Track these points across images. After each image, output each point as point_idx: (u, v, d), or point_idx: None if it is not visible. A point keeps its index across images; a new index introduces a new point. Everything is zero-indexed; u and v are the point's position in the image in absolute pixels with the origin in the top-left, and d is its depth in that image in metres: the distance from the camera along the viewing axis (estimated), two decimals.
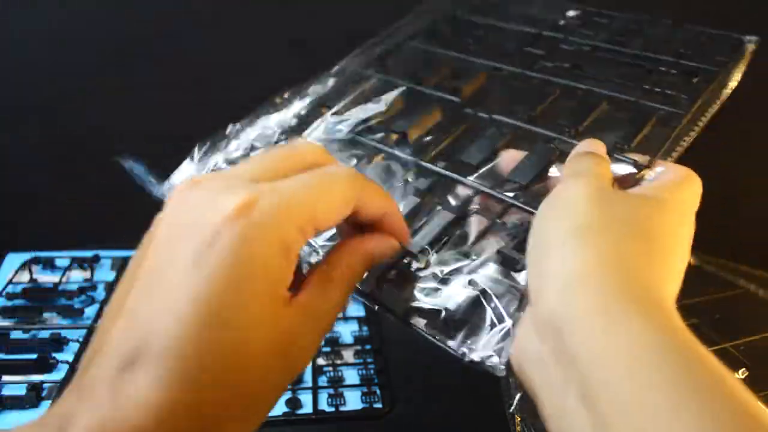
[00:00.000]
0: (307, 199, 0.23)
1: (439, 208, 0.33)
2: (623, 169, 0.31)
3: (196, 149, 0.38)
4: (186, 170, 0.37)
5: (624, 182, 0.30)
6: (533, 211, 0.30)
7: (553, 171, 0.33)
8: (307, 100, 0.42)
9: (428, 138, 0.38)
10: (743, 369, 0.52)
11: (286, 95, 0.43)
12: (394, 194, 0.34)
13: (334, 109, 0.40)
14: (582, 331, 0.21)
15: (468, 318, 0.28)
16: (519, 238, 0.30)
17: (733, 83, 0.37)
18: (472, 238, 0.31)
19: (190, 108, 0.62)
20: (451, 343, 0.27)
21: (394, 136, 0.38)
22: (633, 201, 0.26)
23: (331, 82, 0.44)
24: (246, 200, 0.21)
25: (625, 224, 0.25)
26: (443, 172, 0.35)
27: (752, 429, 0.18)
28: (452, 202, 0.34)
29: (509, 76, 0.43)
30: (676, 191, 0.27)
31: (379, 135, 0.39)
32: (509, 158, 0.34)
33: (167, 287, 0.20)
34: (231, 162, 0.38)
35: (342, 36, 0.46)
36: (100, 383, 0.19)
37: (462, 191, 0.34)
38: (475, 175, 0.35)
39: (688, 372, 0.19)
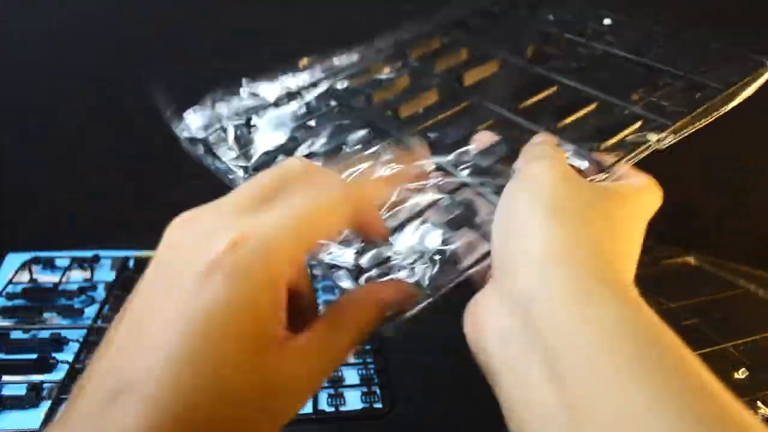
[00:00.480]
0: (295, 231, 0.22)
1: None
2: (584, 165, 0.32)
3: (209, 97, 0.40)
4: (197, 115, 0.40)
5: (584, 176, 0.31)
6: (482, 192, 0.32)
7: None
8: (323, 69, 0.44)
9: (418, 116, 0.40)
10: (743, 369, 0.52)
11: (307, 61, 0.44)
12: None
13: (346, 82, 0.43)
14: (553, 305, 0.22)
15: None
16: (455, 215, 0.32)
17: (734, 102, 0.37)
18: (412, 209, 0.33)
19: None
20: None
21: (388, 112, 0.41)
22: (597, 188, 0.28)
23: (355, 57, 0.46)
24: (232, 241, 0.21)
25: (591, 208, 0.26)
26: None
27: (707, 397, 0.19)
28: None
29: (517, 69, 0.43)
30: (637, 192, 0.29)
31: (375, 111, 0.41)
32: (481, 141, 0.35)
33: (153, 327, 0.21)
34: (236, 113, 0.40)
35: (346, 38, 0.46)
36: (86, 417, 0.20)
37: (428, 166, 0.35)
38: (445, 153, 0.35)
39: (652, 345, 0.20)
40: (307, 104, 0.42)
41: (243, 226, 0.22)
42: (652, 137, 0.33)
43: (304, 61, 0.44)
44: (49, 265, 0.66)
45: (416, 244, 0.31)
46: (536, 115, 0.37)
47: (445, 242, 0.31)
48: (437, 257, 0.30)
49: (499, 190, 0.31)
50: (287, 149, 0.38)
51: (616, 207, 0.27)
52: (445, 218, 0.32)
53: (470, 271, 0.29)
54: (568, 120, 0.37)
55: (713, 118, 0.35)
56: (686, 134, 0.34)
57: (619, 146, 0.33)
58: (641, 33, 0.45)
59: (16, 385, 0.52)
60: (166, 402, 0.19)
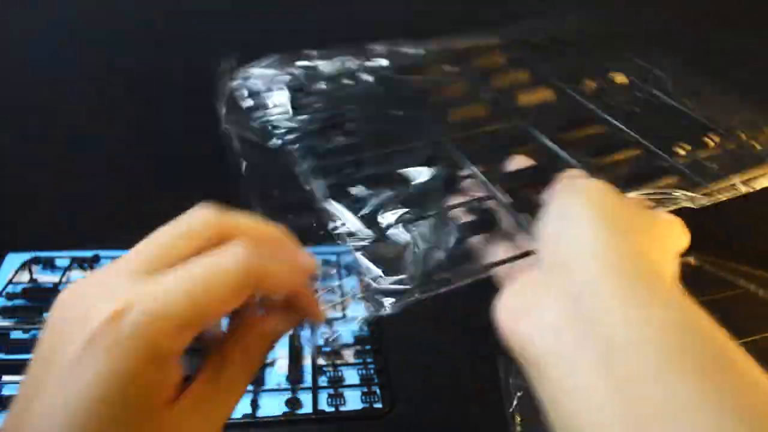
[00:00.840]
0: (186, 301, 0.21)
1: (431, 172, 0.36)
2: None
3: (268, 59, 0.42)
4: (254, 72, 0.42)
5: None
6: (509, 208, 0.33)
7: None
8: (386, 56, 0.45)
9: (463, 124, 0.40)
10: None
11: (375, 47, 0.45)
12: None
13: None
14: (608, 296, 0.23)
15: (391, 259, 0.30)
16: (476, 219, 0.33)
17: None
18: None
19: (191, 108, 0.62)
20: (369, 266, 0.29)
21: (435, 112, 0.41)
22: (639, 206, 0.30)
23: (421, 51, 0.47)
24: (114, 312, 0.21)
25: (637, 219, 0.28)
26: (452, 152, 0.37)
27: (759, 395, 0.20)
28: (445, 175, 0.36)
29: (571, 101, 0.43)
30: (672, 221, 0.30)
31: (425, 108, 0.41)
32: (517, 163, 0.36)
33: (38, 409, 0.21)
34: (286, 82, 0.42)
35: (351, 38, 0.46)
36: None
37: (461, 173, 0.36)
38: (479, 165, 0.36)
39: (705, 342, 0.21)
40: (359, 84, 0.43)
41: (129, 294, 0.21)
42: (685, 196, 0.33)
43: (371, 47, 0.45)
44: (49, 265, 0.66)
45: (435, 236, 0.32)
46: (577, 150, 0.37)
47: (463, 240, 0.32)
48: (457, 251, 0.31)
49: (521, 209, 0.32)
50: (326, 121, 0.39)
51: (657, 225, 0.28)
52: (467, 218, 0.33)
53: (497, 268, 0.30)
54: (606, 160, 0.37)
55: (757, 188, 0.34)
56: (724, 198, 0.34)
57: (649, 198, 0.33)
58: (701, 85, 0.44)
59: (16, 385, 0.52)
60: None
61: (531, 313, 0.26)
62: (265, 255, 0.24)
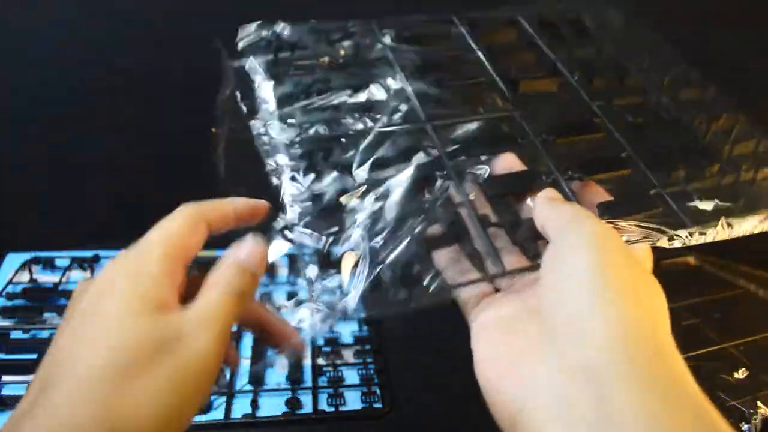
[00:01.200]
0: (160, 234, 0.28)
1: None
2: None
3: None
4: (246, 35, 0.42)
5: None
6: (478, 227, 0.31)
7: (529, 203, 0.33)
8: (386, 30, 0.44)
9: (454, 114, 0.38)
10: (743, 369, 0.52)
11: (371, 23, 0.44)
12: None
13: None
14: (623, 382, 0.22)
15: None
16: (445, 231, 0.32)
17: None
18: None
19: (191, 108, 0.62)
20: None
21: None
22: (638, 265, 0.28)
23: (426, 19, 0.45)
24: (116, 259, 0.27)
25: (642, 285, 0.26)
26: (433, 150, 0.35)
27: None
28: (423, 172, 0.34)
29: (574, 98, 0.41)
30: (648, 255, 0.30)
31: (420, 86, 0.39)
32: (503, 163, 0.34)
33: (61, 334, 0.26)
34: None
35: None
36: (28, 403, 0.24)
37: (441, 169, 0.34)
38: (465, 163, 0.34)
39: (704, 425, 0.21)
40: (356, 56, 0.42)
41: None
42: (664, 234, 0.31)
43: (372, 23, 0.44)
44: (49, 265, 0.66)
45: (397, 247, 0.30)
46: (568, 157, 0.35)
47: (427, 253, 0.31)
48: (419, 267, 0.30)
49: (496, 224, 0.31)
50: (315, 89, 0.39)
51: (653, 283, 0.27)
52: (434, 229, 0.32)
53: (461, 292, 0.29)
54: (594, 178, 0.35)
55: (743, 234, 0.33)
56: (705, 242, 0.32)
57: (626, 230, 0.31)
58: (723, 105, 0.41)
59: (16, 385, 0.52)
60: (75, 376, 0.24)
61: (522, 370, 0.25)
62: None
